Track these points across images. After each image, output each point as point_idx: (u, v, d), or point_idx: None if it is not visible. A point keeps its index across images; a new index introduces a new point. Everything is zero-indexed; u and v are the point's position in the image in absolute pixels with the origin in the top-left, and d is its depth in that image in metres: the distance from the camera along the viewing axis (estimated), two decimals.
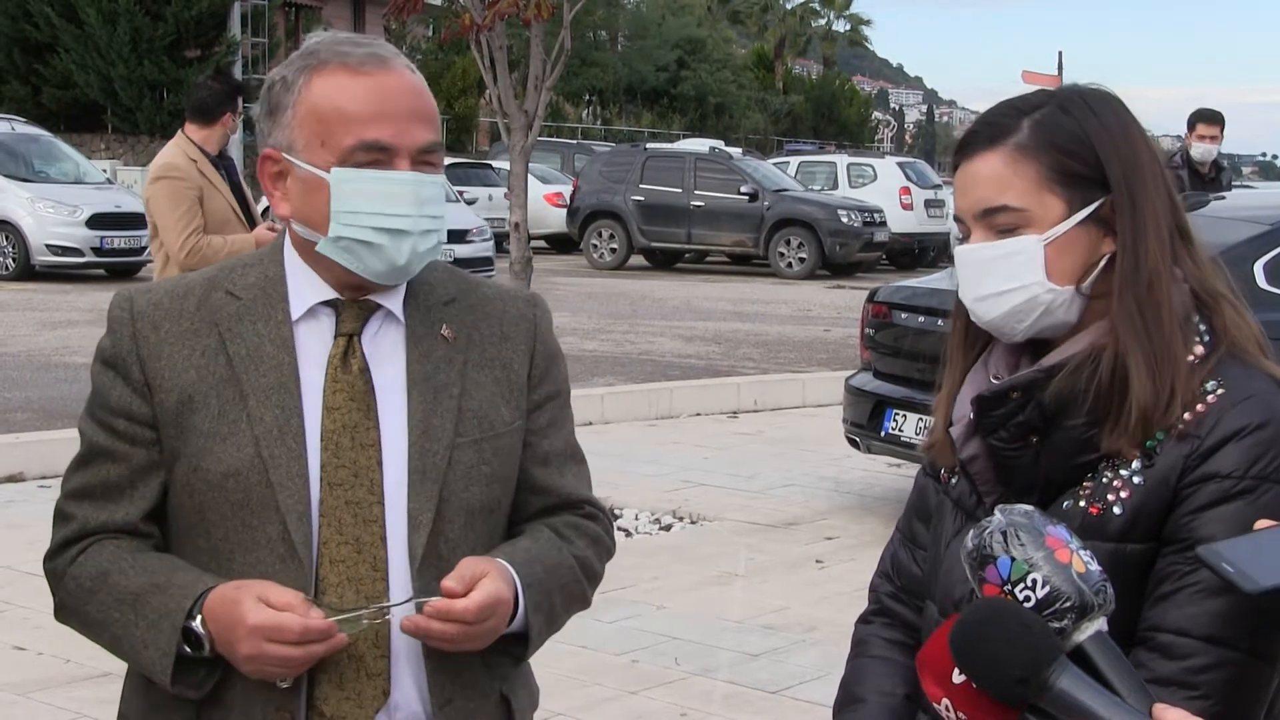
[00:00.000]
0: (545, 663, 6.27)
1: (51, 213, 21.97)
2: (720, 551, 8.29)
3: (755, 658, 6.49)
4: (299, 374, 2.24)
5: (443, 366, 2.28)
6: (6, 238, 22.14)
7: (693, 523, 8.96)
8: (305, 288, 2.27)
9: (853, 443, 9.19)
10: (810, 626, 6.89)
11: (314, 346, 2.26)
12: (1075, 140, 2.04)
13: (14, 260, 22.08)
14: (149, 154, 33.78)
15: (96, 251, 22.09)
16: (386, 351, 2.28)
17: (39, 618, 6.47)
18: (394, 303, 2.29)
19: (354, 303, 2.27)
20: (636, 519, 8.93)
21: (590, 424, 11.94)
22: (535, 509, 2.39)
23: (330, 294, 2.27)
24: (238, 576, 2.18)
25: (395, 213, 2.19)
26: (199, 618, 2.13)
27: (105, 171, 27.03)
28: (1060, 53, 76.30)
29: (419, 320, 2.30)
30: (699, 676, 6.23)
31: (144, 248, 22.11)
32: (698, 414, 12.74)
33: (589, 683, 6.08)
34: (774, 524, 8.93)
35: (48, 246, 21.92)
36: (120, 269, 22.32)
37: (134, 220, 21.92)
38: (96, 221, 22.03)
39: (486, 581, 2.13)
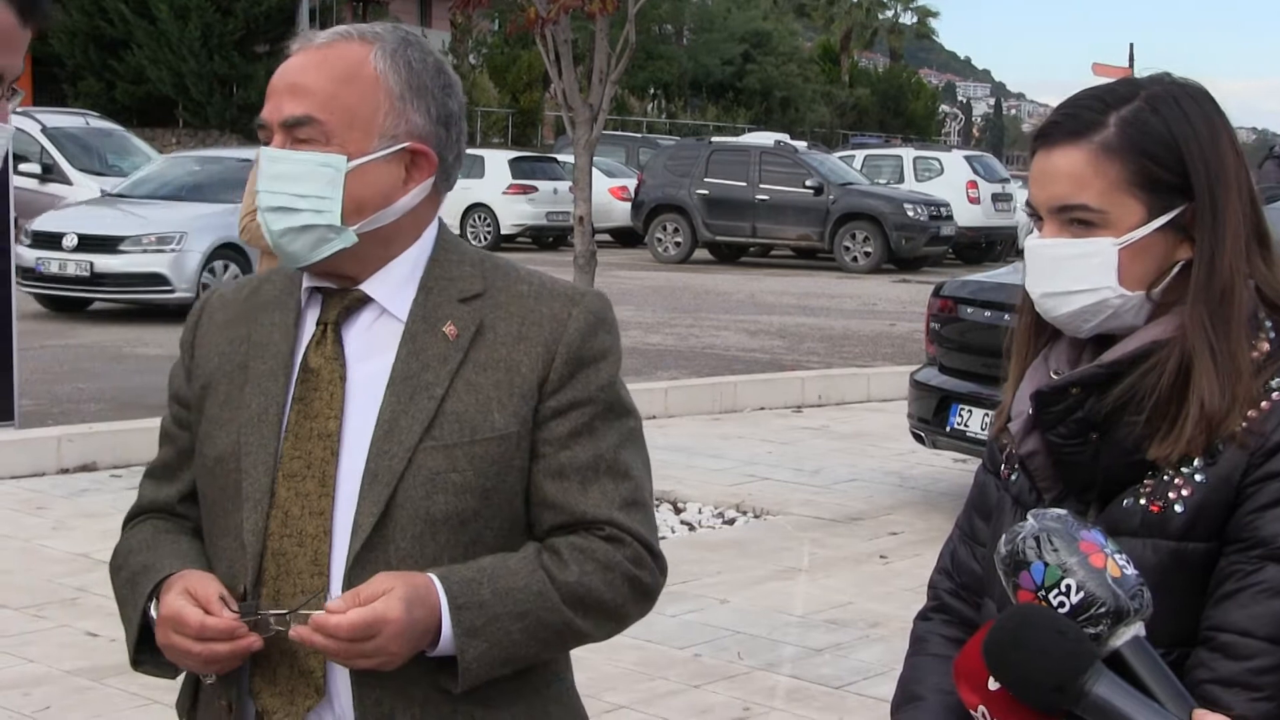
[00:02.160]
0: (607, 656, 6.32)
1: None
2: (784, 546, 8.27)
3: (818, 653, 6.48)
4: (293, 361, 2.21)
5: (432, 365, 2.16)
6: None
7: (756, 517, 8.95)
8: (308, 276, 2.24)
9: (918, 438, 9.14)
10: (874, 622, 6.87)
11: (308, 335, 2.23)
12: (1163, 145, 1.98)
13: None
14: (218, 148, 34.07)
15: None
16: (377, 346, 2.19)
17: (111, 605, 6.52)
18: (389, 296, 2.21)
19: (335, 291, 2.22)
20: (700, 513, 8.93)
21: (654, 418, 11.94)
22: (546, 526, 2.19)
23: (315, 281, 2.23)
24: (215, 562, 2.20)
25: (258, 189, 2.16)
26: (154, 604, 2.16)
27: None
28: (1131, 44, 75.28)
29: (420, 316, 2.19)
30: (762, 671, 6.22)
31: None
32: (761, 408, 12.72)
33: (652, 676, 6.09)
34: (838, 519, 8.91)
35: None
36: None
37: None
38: None
39: (378, 603, 1.98)
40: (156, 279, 15.73)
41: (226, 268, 16.73)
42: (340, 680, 2.13)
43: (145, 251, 16.44)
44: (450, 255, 2.26)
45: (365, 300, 2.21)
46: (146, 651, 2.19)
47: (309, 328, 2.23)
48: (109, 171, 22.90)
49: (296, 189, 2.13)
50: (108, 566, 2.35)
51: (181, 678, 2.27)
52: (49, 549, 7.59)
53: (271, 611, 2.08)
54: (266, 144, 2.17)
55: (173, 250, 16.30)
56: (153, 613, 2.16)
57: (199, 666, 2.12)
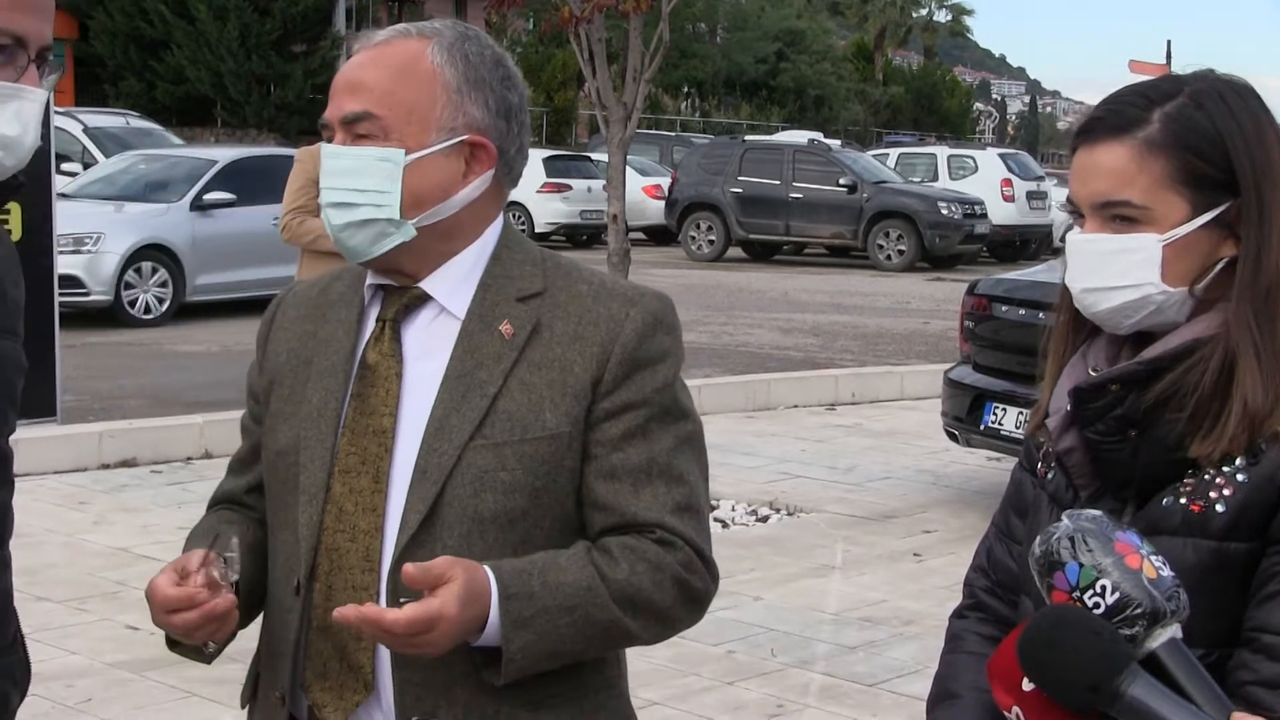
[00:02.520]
0: (641, 652, 6.30)
1: None
2: (817, 544, 8.27)
3: (852, 650, 6.47)
4: (353, 358, 2.21)
5: (486, 364, 2.15)
6: None
7: (790, 514, 8.94)
8: (371, 273, 2.25)
9: (952, 436, 9.13)
10: (908, 620, 6.86)
11: (369, 332, 2.24)
12: (1208, 141, 1.96)
13: None
14: (256, 146, 34.21)
15: None
16: (435, 344, 2.19)
17: None
18: (448, 294, 2.20)
19: (396, 288, 2.23)
20: (733, 510, 8.93)
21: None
22: (598, 527, 2.17)
23: (377, 278, 2.24)
24: (274, 554, 2.22)
25: (321, 186, 2.18)
26: None
27: None
28: (1169, 41, 74.86)
29: (477, 315, 2.18)
30: (795, 668, 6.22)
31: None
32: (795, 406, 12.71)
33: (685, 673, 6.09)
34: (871, 516, 8.89)
35: None
36: None
37: None
38: None
39: (436, 601, 1.95)
40: (70, 280, 15.35)
41: (155, 271, 16.63)
42: (385, 677, 2.13)
43: (60, 253, 16.33)
44: (512, 254, 2.25)
45: (424, 298, 2.21)
46: None
47: (370, 325, 2.23)
48: None
49: (356, 184, 2.13)
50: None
51: (248, 669, 2.28)
52: (90, 543, 7.64)
53: (212, 565, 2.08)
54: (329, 142, 2.18)
55: (88, 252, 16.07)
56: None
57: (184, 638, 2.13)
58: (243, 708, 2.33)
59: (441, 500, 2.11)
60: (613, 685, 2.29)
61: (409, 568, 1.97)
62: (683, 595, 2.18)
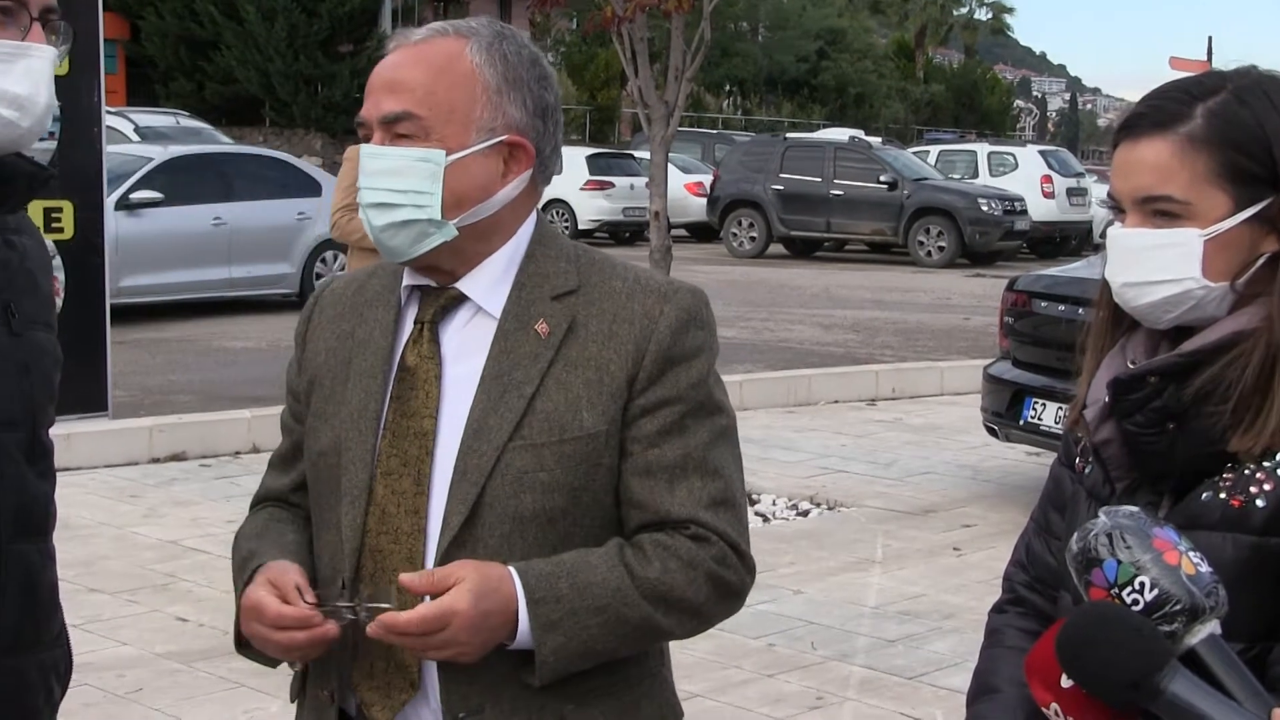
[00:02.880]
0: (682, 645, 6.30)
1: None
2: (857, 538, 8.25)
3: (891, 644, 6.45)
4: (392, 359, 2.20)
5: (523, 364, 2.13)
6: None
7: (830, 509, 8.92)
8: (408, 273, 2.24)
9: (991, 431, 9.10)
10: (947, 614, 6.84)
11: (407, 333, 2.22)
12: (1251, 137, 1.94)
13: None
14: (305, 146, 34.38)
15: None
16: (473, 344, 2.18)
17: (201, 591, 6.63)
18: (484, 293, 2.19)
19: (433, 289, 2.21)
20: (774, 504, 8.92)
21: None
22: (634, 524, 2.16)
23: (416, 279, 2.23)
24: (319, 554, 2.22)
25: (360, 186, 2.16)
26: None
27: None
28: (1210, 38, 74.10)
29: (513, 314, 2.17)
30: (835, 661, 6.21)
31: None
32: (836, 401, 12.68)
33: (726, 665, 6.09)
34: (911, 511, 8.87)
35: None
36: None
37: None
38: None
39: (446, 597, 1.98)
40: None
41: None
42: (432, 676, 2.13)
43: None
44: (547, 251, 2.23)
45: (461, 299, 2.20)
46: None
47: (408, 326, 2.22)
48: None
49: (396, 184, 2.12)
50: (231, 551, 2.38)
51: (287, 667, 2.28)
52: (141, 536, 7.69)
53: (341, 603, 2.08)
54: (366, 141, 2.16)
55: None
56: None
57: (281, 653, 2.14)
58: (292, 701, 2.34)
59: (482, 501, 2.10)
60: (654, 675, 2.29)
61: (407, 577, 2.00)
62: (717, 591, 2.17)
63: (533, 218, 2.25)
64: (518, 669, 2.08)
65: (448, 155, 2.12)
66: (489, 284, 2.19)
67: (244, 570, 2.21)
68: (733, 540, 2.18)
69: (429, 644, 2.01)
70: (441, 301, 2.20)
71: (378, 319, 2.24)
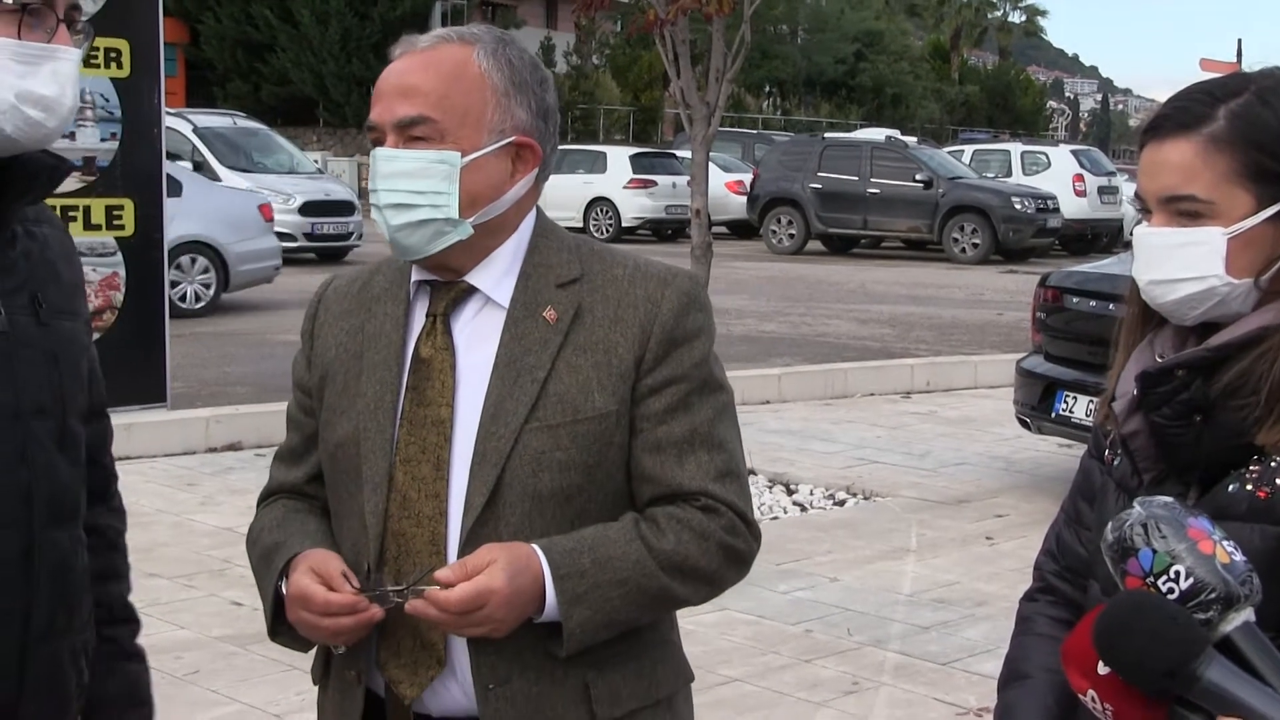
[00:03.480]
0: (722, 631, 6.33)
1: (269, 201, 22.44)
2: (892, 527, 8.23)
3: (926, 630, 6.44)
4: (404, 352, 2.23)
5: (534, 349, 2.17)
6: None
7: (866, 499, 8.90)
8: (417, 269, 2.26)
9: (1023, 423, 9.06)
10: (980, 601, 6.81)
11: (418, 326, 2.25)
12: (1273, 137, 1.92)
13: None
14: (356, 146, 34.52)
15: (308, 236, 22.43)
16: (483, 334, 2.21)
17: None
18: (493, 285, 2.22)
19: (444, 284, 2.24)
20: (811, 494, 8.90)
21: (768, 402, 11.93)
22: (646, 498, 2.20)
23: (424, 275, 2.25)
24: (341, 542, 2.24)
25: (374, 188, 2.18)
26: (285, 582, 2.20)
27: (316, 162, 27.56)
28: (1239, 40, 73.43)
29: (521, 303, 2.20)
30: (871, 647, 6.19)
31: (351, 233, 22.58)
32: (872, 394, 12.66)
33: (765, 650, 6.08)
34: (945, 501, 8.84)
35: None
36: (329, 253, 22.71)
37: (343, 207, 22.41)
38: (308, 209, 22.39)
39: (483, 575, 2.02)
40: None
41: None
42: (459, 650, 2.16)
43: None
44: (549, 243, 2.27)
45: (471, 291, 2.22)
46: (282, 623, 2.23)
47: (418, 319, 2.25)
48: (254, 168, 23.23)
49: (414, 185, 2.14)
50: (246, 543, 2.40)
51: (314, 649, 2.30)
52: (198, 523, 7.74)
53: (390, 587, 2.11)
54: (377, 144, 2.18)
55: None
56: (284, 590, 2.19)
57: (328, 639, 2.17)
58: (314, 684, 2.35)
59: (502, 482, 2.13)
60: (667, 641, 2.33)
61: (443, 572, 2.04)
62: (728, 559, 2.22)
63: (534, 213, 2.29)
64: (544, 640, 2.13)
65: (463, 157, 2.15)
66: (497, 276, 2.23)
67: (270, 560, 2.24)
68: (740, 510, 2.22)
69: (467, 621, 2.04)
70: (452, 295, 2.23)
71: (388, 313, 2.26)
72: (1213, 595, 1.68)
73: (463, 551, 2.11)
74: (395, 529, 2.17)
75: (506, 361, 2.17)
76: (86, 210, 9.01)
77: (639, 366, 2.19)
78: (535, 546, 2.10)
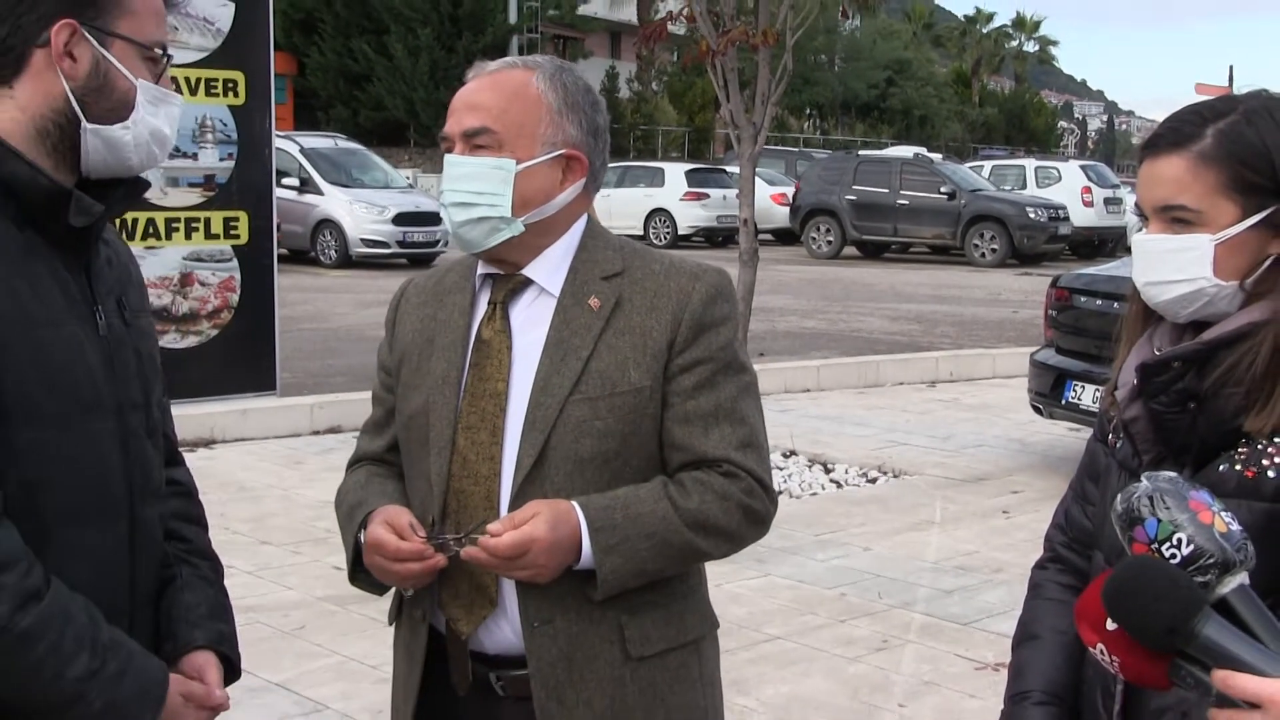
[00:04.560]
0: (767, 595, 6.31)
1: (365, 213, 22.55)
2: (919, 502, 8.19)
3: (949, 594, 6.40)
4: (469, 335, 2.27)
5: (580, 332, 2.21)
6: (330, 233, 22.82)
7: (895, 476, 8.86)
8: (482, 264, 2.32)
9: (1037, 410, 8.99)
10: (997, 568, 6.77)
11: (481, 312, 2.30)
12: (1255, 153, 1.91)
13: (336, 251, 22.75)
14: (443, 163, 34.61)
15: (400, 244, 22.61)
16: (536, 319, 2.25)
17: None
18: (546, 277, 2.26)
19: (504, 276, 2.28)
20: (846, 472, 8.86)
21: (807, 390, 11.90)
22: (675, 464, 2.23)
23: (487, 269, 2.30)
24: (412, 499, 2.29)
25: (442, 189, 2.24)
26: (364, 533, 2.24)
27: (408, 178, 27.71)
28: (1231, 66, 72.62)
29: (570, 293, 2.24)
30: (899, 609, 6.17)
31: (438, 240, 22.67)
32: (900, 383, 12.60)
33: (804, 612, 6.07)
34: (966, 479, 8.79)
35: (362, 240, 22.51)
36: (418, 258, 22.81)
37: (430, 218, 22.48)
38: (401, 219, 22.56)
39: (527, 525, 2.07)
40: None
41: None
42: (509, 593, 2.21)
43: None
44: (596, 242, 2.31)
45: (527, 282, 2.28)
46: (362, 569, 2.28)
47: (481, 307, 2.30)
48: (353, 184, 23.43)
49: (474, 187, 2.21)
50: (334, 502, 2.45)
51: (390, 594, 2.36)
52: (303, 496, 7.79)
53: (450, 535, 2.17)
54: (449, 152, 2.24)
55: None
56: (362, 539, 2.25)
57: (398, 582, 2.23)
58: (390, 624, 2.41)
59: (548, 446, 2.17)
60: (695, 590, 2.35)
61: (493, 525, 2.09)
62: (747, 518, 2.24)
63: (585, 217, 2.33)
64: (582, 586, 2.17)
65: (518, 164, 2.21)
66: (550, 269, 2.27)
67: (354, 516, 2.30)
68: (758, 476, 2.24)
69: (515, 565, 2.10)
70: (511, 285, 2.28)
71: (456, 303, 2.32)
72: (1211, 560, 1.67)
73: (513, 507, 2.16)
74: (456, 487, 2.22)
75: (555, 342, 2.22)
76: (207, 221, 9.09)
77: (671, 348, 2.22)
78: (575, 503, 2.14)
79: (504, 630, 2.22)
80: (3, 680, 1.79)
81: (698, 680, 2.30)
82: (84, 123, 1.92)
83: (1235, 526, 1.70)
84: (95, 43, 1.92)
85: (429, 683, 2.29)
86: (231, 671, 2.14)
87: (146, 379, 2.06)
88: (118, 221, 6.89)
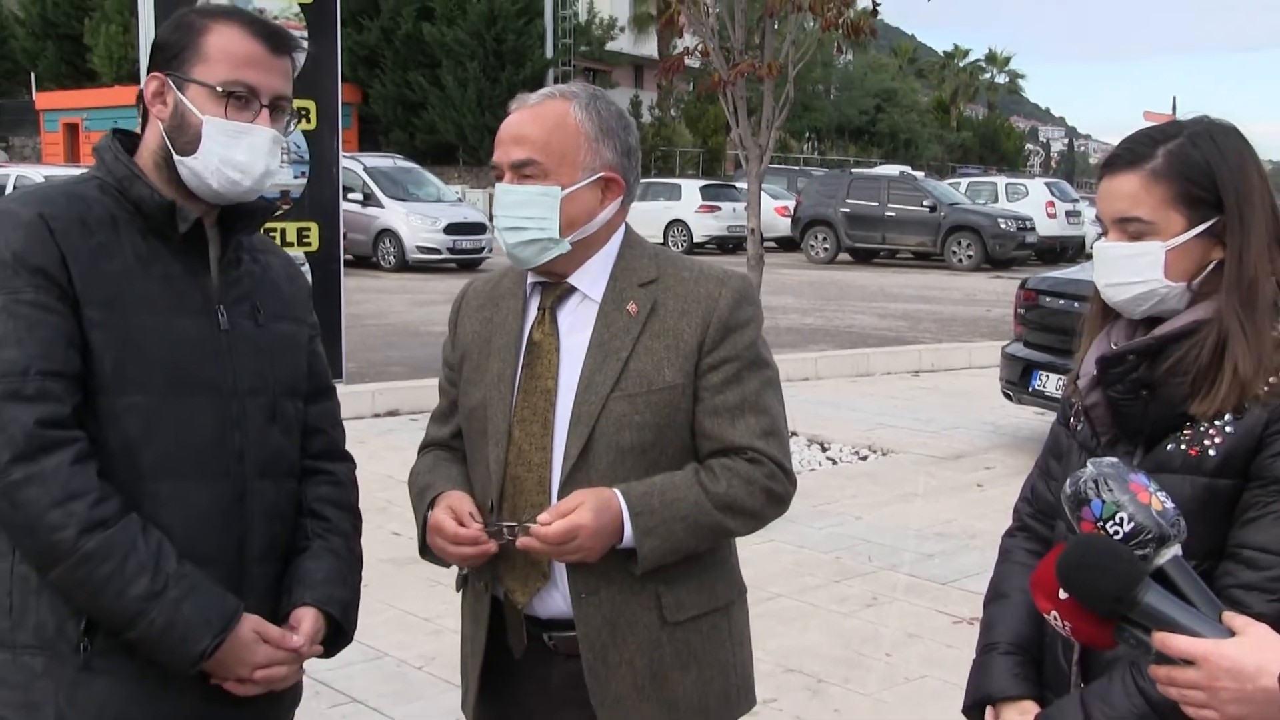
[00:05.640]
0: (770, 558, 6.30)
1: (420, 223, 22.60)
2: (904, 477, 8.18)
3: (930, 557, 6.39)
4: (521, 337, 2.25)
5: (619, 335, 2.18)
6: (389, 241, 22.88)
7: (883, 454, 8.84)
8: (532, 274, 2.29)
9: (1007, 396, 8.97)
10: (972, 535, 6.76)
11: (532, 317, 2.28)
12: (1199, 171, 1.91)
13: (394, 257, 22.80)
14: (488, 180, 34.59)
15: (450, 250, 22.64)
16: (581, 323, 2.23)
17: (409, 513, 6.69)
18: (589, 284, 2.24)
19: (552, 284, 2.26)
20: (840, 451, 8.86)
21: (806, 379, 11.88)
22: (705, 452, 2.21)
23: (537, 278, 2.28)
24: (474, 484, 2.27)
25: (495, 214, 2.22)
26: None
27: (457, 193, 27.75)
28: (1174, 96, 72.54)
29: (611, 299, 2.22)
30: (886, 570, 6.17)
31: (483, 247, 22.69)
32: (888, 373, 12.56)
33: (804, 573, 6.07)
34: (945, 456, 8.77)
35: (417, 247, 22.55)
36: (466, 262, 22.84)
37: (477, 228, 22.52)
38: (451, 229, 22.60)
39: (574, 514, 2.07)
40: None
41: None
42: (559, 568, 2.20)
43: None
44: (633, 252, 2.28)
45: (572, 289, 2.25)
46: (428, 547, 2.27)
47: (532, 312, 2.28)
48: (409, 198, 23.46)
49: (525, 213, 2.18)
50: (407, 482, 2.44)
51: (454, 567, 2.34)
52: (366, 471, 7.72)
53: (505, 523, 2.16)
54: (499, 179, 2.21)
55: None
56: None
57: (456, 561, 2.22)
58: (457, 591, 2.41)
59: (593, 438, 2.16)
60: (725, 562, 2.34)
61: (542, 517, 2.09)
62: (768, 499, 2.22)
63: (623, 229, 2.30)
64: (624, 562, 2.16)
65: (562, 190, 2.17)
66: (592, 278, 2.25)
67: (424, 497, 2.29)
68: (779, 461, 2.22)
69: (565, 550, 2.09)
70: (558, 292, 2.26)
71: (510, 308, 2.30)
72: (1149, 536, 1.68)
73: (563, 492, 2.15)
74: (512, 473, 2.20)
75: (598, 344, 2.19)
76: (283, 231, 9.11)
77: (700, 349, 2.19)
78: (616, 490, 2.13)
79: (556, 599, 2.21)
80: (75, 593, 1.89)
81: (727, 640, 2.29)
82: (173, 154, 2.02)
83: (1169, 505, 1.71)
84: (175, 88, 2.01)
85: (492, 643, 2.29)
86: (340, 635, 2.16)
87: (273, 373, 2.11)
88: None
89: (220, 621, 1.95)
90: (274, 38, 2.04)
